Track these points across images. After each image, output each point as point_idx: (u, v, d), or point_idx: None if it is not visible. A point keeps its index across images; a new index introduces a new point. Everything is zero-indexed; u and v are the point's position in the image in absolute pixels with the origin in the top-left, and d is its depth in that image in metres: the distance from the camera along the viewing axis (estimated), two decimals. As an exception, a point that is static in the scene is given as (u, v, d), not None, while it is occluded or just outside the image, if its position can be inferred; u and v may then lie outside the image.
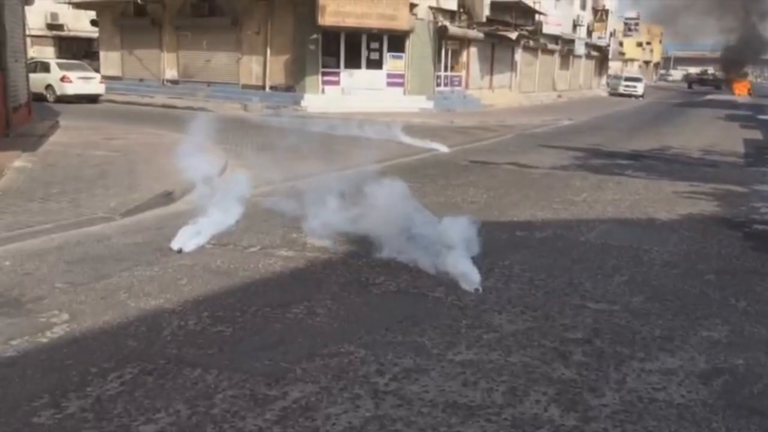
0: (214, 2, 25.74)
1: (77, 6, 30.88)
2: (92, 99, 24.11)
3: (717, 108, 35.31)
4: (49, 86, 23.41)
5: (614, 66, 64.05)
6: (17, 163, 9.66)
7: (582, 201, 8.95)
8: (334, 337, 4.16)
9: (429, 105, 25.23)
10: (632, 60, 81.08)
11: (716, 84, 66.84)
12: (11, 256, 5.61)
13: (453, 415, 3.29)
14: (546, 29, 36.32)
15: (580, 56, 45.83)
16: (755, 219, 8.27)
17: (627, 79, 50.93)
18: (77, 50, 36.43)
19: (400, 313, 4.62)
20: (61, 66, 24.40)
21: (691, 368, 3.93)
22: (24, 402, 3.29)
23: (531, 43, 35.68)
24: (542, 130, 20.48)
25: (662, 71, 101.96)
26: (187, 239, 6.01)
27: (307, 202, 7.02)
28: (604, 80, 54.41)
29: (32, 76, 17.36)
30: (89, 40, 35.98)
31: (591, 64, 50.41)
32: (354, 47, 24.44)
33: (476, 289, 5.07)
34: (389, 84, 25.13)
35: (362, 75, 24.60)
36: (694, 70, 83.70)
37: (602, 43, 49.25)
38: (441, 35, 26.37)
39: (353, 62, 24.56)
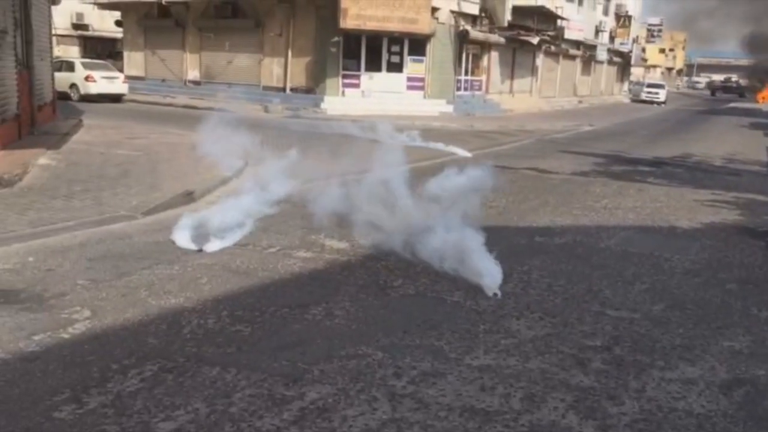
0: (237, 4, 25.94)
1: (102, 6, 31.27)
2: (115, 98, 24.39)
3: (741, 116, 34.90)
4: (73, 85, 23.74)
5: (636, 72, 63.58)
6: (42, 161, 9.80)
7: (602, 207, 8.89)
8: (351, 339, 4.17)
9: (449, 109, 25.21)
10: (655, 66, 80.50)
11: (740, 92, 66.09)
12: (35, 253, 5.69)
13: (470, 420, 3.28)
14: (568, 34, 36.12)
15: (602, 62, 45.53)
16: (779, 229, 8.17)
17: (649, 85, 50.54)
18: (101, 50, 36.89)
19: (418, 317, 4.62)
20: (85, 65, 24.73)
21: (712, 378, 3.89)
22: (46, 397, 3.33)
23: (552, 48, 35.51)
24: (562, 135, 20.37)
25: (691, 78, 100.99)
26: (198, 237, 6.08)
27: (331, 204, 7.08)
28: (625, 86, 54.02)
29: (57, 75, 17.61)
30: (113, 41, 36.40)
31: (613, 70, 50.06)
32: (375, 50, 24.50)
33: (495, 294, 5.06)
34: (409, 87, 25.14)
35: (382, 78, 24.65)
36: (717, 77, 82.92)
37: (625, 49, 48.87)
38: (462, 39, 26.34)
39: (374, 65, 24.61)
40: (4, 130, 10.48)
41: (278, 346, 4.02)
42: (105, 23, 36.03)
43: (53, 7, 15.80)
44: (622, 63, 51.28)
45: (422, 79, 25.29)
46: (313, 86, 24.48)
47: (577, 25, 37.19)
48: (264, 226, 6.86)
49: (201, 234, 6.19)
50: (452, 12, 25.58)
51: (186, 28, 27.75)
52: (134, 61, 30.04)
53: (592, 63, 43.92)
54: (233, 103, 23.69)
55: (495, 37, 28.40)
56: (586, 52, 41.69)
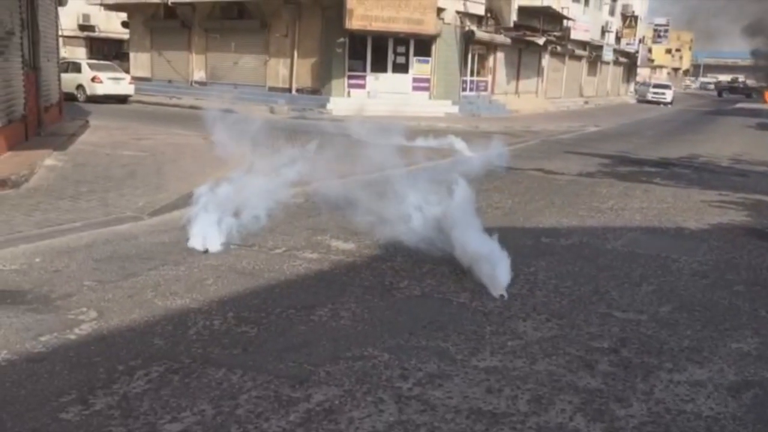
0: (243, 5, 25.99)
1: (109, 8, 31.37)
2: (122, 99, 24.48)
3: (747, 116, 34.77)
4: (79, 86, 23.82)
5: (642, 73, 63.41)
6: (48, 162, 9.83)
7: (609, 208, 8.86)
8: (357, 341, 4.16)
9: (454, 109, 25.20)
10: (661, 67, 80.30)
11: (747, 92, 65.83)
12: (41, 253, 5.70)
13: (477, 422, 3.26)
14: (574, 35, 36.06)
15: (608, 62, 45.44)
16: (787, 230, 8.12)
17: (655, 86, 50.45)
18: (108, 51, 37.01)
19: (424, 318, 4.60)
20: (92, 66, 24.83)
21: (720, 380, 3.86)
22: (52, 398, 3.33)
23: (558, 48, 35.46)
24: (568, 136, 20.32)
25: (698, 78, 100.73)
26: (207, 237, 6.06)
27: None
28: (632, 87, 53.89)
29: (64, 75, 17.67)
30: (120, 42, 36.53)
31: (619, 71, 49.95)
32: (380, 51, 24.52)
33: (501, 296, 5.04)
34: (415, 88, 25.15)
35: (388, 79, 24.66)
36: (724, 77, 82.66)
37: (631, 49, 48.77)
38: (468, 40, 26.33)
39: (379, 66, 24.63)
40: (10, 131, 10.52)
41: (284, 348, 4.02)
42: (111, 24, 36.16)
43: (60, 9, 15.85)
44: (628, 63, 51.17)
45: (428, 80, 25.29)
46: (319, 87, 24.51)
47: (583, 25, 37.13)
48: (269, 227, 6.85)
49: (210, 234, 6.16)
50: (458, 12, 25.57)
51: (192, 29, 27.82)
52: (140, 62, 30.13)
53: (598, 63, 43.84)
54: (238, 104, 23.76)
55: (501, 38, 28.37)
56: (592, 53, 41.61)
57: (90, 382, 3.49)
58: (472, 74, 28.17)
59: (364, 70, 24.51)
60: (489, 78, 29.59)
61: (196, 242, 5.99)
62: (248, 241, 6.32)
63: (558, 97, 36.87)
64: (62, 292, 4.79)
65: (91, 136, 13.48)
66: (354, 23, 22.59)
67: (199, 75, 28.27)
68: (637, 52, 50.60)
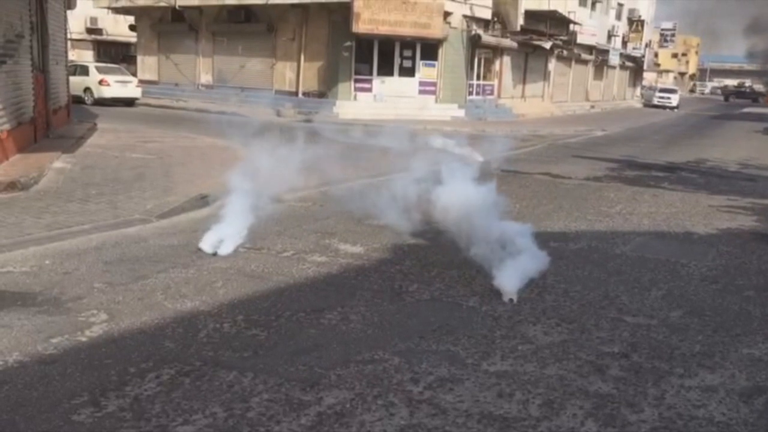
0: (250, 9, 26.05)
1: (116, 11, 31.47)
2: (129, 102, 24.56)
3: (754, 121, 34.66)
4: (87, 89, 23.91)
5: (649, 77, 63.28)
6: (57, 164, 9.87)
7: (617, 213, 8.84)
8: (368, 344, 4.16)
9: (460, 113, 25.18)
10: (667, 71, 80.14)
11: (753, 97, 65.63)
12: (51, 256, 5.72)
13: (489, 427, 3.26)
14: (580, 39, 35.99)
15: (614, 67, 45.32)
16: (796, 235, 8.09)
17: (662, 90, 50.39)
18: (115, 54, 37.15)
19: (434, 322, 4.60)
20: (99, 69, 24.92)
21: (732, 386, 3.84)
22: (64, 399, 3.34)
23: (565, 53, 35.41)
24: (575, 140, 20.30)
25: (705, 82, 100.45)
26: (216, 242, 6.05)
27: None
28: (638, 91, 53.76)
29: (71, 78, 17.74)
30: (127, 45, 36.67)
31: (625, 75, 49.83)
32: (387, 54, 24.53)
33: (510, 300, 5.03)
34: (421, 92, 25.14)
35: (394, 82, 24.67)
36: (730, 82, 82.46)
37: (637, 53, 48.64)
38: (474, 44, 26.32)
39: (386, 69, 24.64)
40: (20, 133, 10.56)
41: (295, 351, 4.02)
42: (119, 27, 36.31)
43: (68, 12, 15.93)
44: (635, 68, 51.01)
45: (434, 84, 25.29)
46: (326, 90, 24.53)
47: (589, 29, 37.06)
48: (278, 230, 6.86)
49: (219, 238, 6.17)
50: (464, 16, 25.57)
51: (199, 33, 27.89)
52: (148, 65, 30.23)
53: (605, 68, 43.75)
54: (245, 107, 23.81)
55: (507, 42, 28.35)
56: (599, 57, 41.53)
57: (102, 384, 3.50)
58: (478, 78, 28.15)
59: (371, 74, 24.52)
60: (495, 82, 29.56)
61: (206, 244, 6.00)
62: (257, 244, 6.33)
63: (564, 101, 36.80)
64: (72, 294, 4.80)
65: (99, 138, 13.53)
66: (361, 27, 22.61)
67: (206, 78, 28.34)
68: (644, 56, 50.46)
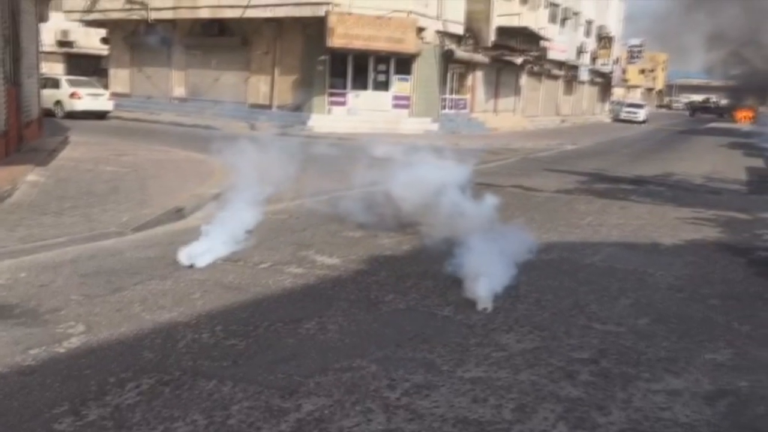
0: (225, 22, 26.09)
1: (89, 24, 31.28)
2: (100, 115, 24.40)
3: (720, 136, 35.51)
4: (58, 102, 23.72)
5: (617, 92, 64.48)
6: (30, 177, 9.80)
7: (587, 225, 9.05)
8: (345, 353, 4.24)
9: (434, 127, 25.46)
10: (635, 86, 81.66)
11: (719, 112, 67.12)
12: (26, 268, 5.71)
13: (464, 430, 3.36)
14: (551, 55, 36.68)
15: (583, 82, 46.20)
16: (758, 246, 8.35)
17: (629, 105, 51.51)
18: (86, 67, 36.78)
19: (409, 331, 4.70)
20: (71, 82, 24.73)
21: (696, 389, 4.00)
22: (45, 409, 3.36)
23: (536, 68, 36.03)
24: (546, 154, 20.64)
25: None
26: (196, 254, 6.09)
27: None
28: (607, 106, 54.79)
29: (42, 92, 17.60)
30: (98, 57, 36.33)
31: (594, 90, 50.79)
32: (361, 69, 24.75)
33: (484, 309, 5.15)
34: (395, 105, 25.39)
35: (369, 96, 24.88)
36: (696, 97, 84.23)
37: (606, 69, 49.65)
38: (447, 59, 26.68)
39: (360, 83, 24.85)
40: (-9, 146, 10.47)
41: (273, 360, 4.08)
42: (90, 40, 35.98)
43: (41, 24, 15.84)
44: (604, 83, 52.04)
45: (408, 98, 25.54)
46: (300, 104, 24.62)
47: (559, 46, 37.79)
48: (255, 242, 6.92)
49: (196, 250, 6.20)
50: (438, 32, 25.92)
51: (173, 46, 27.82)
52: (120, 78, 30.07)
53: (575, 83, 44.57)
54: (219, 120, 23.79)
55: (480, 57, 28.78)
56: (569, 73, 42.31)
57: (82, 394, 3.53)
58: (451, 92, 28.52)
59: (345, 88, 24.70)
60: (468, 96, 29.96)
61: (183, 256, 6.03)
62: (233, 256, 6.37)
63: (535, 115, 37.39)
64: (50, 307, 4.81)
65: (72, 152, 13.45)
66: (335, 41, 22.79)
67: (179, 91, 28.26)
68: (612, 72, 51.51)
